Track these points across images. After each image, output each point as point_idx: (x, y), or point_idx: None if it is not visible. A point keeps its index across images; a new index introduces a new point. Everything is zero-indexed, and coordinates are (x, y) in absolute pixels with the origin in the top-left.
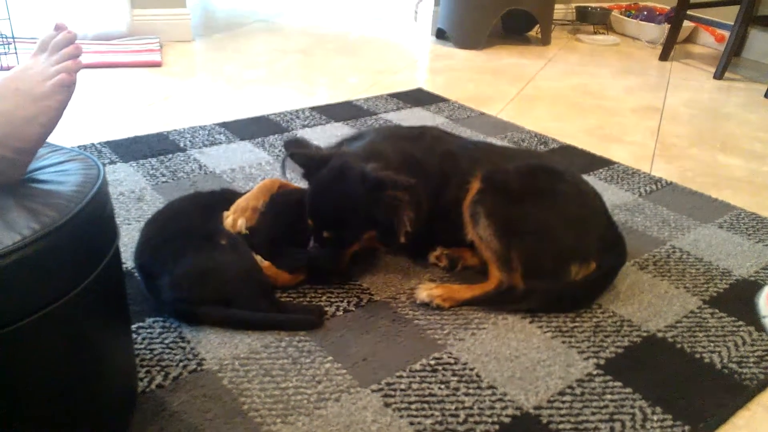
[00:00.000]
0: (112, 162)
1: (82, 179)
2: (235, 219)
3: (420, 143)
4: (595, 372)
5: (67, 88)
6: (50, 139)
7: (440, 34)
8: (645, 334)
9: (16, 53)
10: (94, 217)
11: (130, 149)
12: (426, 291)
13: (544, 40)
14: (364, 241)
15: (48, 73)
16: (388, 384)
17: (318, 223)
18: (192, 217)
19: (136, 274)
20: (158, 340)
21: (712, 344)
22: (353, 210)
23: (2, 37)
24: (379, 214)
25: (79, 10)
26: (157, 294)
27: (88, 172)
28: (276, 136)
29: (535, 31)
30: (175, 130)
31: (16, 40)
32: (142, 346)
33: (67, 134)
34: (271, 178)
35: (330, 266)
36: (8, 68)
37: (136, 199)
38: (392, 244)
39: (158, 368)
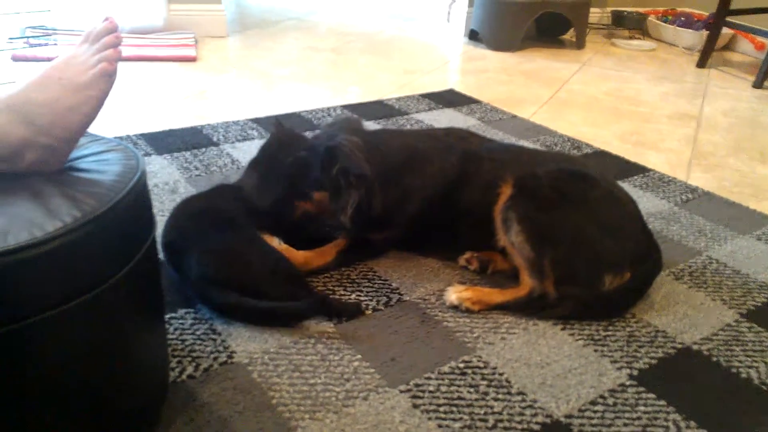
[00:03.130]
0: (147, 154)
1: (122, 169)
2: None
3: (439, 141)
4: (628, 382)
5: (108, 78)
6: (89, 129)
7: (473, 36)
8: (680, 346)
9: (56, 44)
10: (133, 207)
11: (165, 142)
12: (456, 294)
13: (579, 44)
14: (316, 205)
15: (90, 63)
16: (416, 385)
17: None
18: (220, 199)
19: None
20: (190, 331)
21: (749, 359)
22: (309, 163)
23: (44, 29)
24: (328, 182)
25: (117, 3)
26: (182, 272)
27: (128, 162)
28: (307, 133)
29: (569, 35)
30: (209, 125)
31: (57, 32)
32: (174, 336)
33: (104, 125)
34: None
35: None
36: (49, 59)
37: (169, 191)
38: (336, 223)
39: (189, 359)
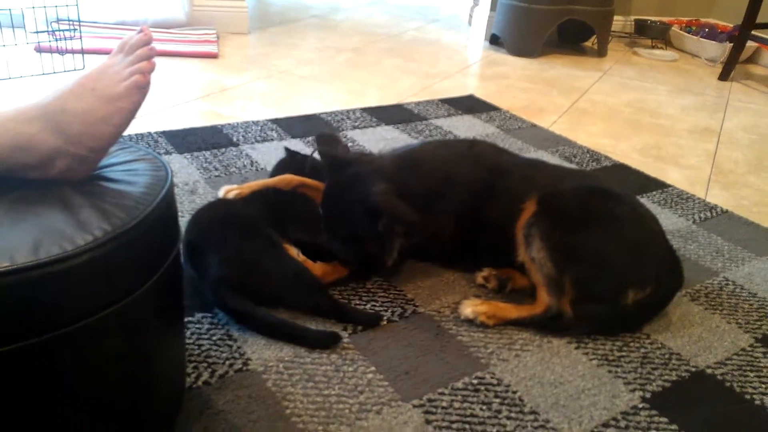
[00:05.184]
0: (167, 152)
1: (150, 181)
2: (230, 190)
3: (466, 157)
4: (640, 405)
5: (141, 90)
6: None
7: (494, 40)
8: (693, 369)
9: (81, 38)
10: (161, 219)
11: (185, 141)
12: (471, 307)
13: (601, 52)
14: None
15: (123, 74)
16: (429, 400)
17: (323, 223)
18: (246, 204)
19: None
20: (206, 336)
21: (763, 386)
22: (349, 224)
23: (69, 21)
24: (371, 235)
25: None
26: (201, 272)
27: (157, 173)
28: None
29: (591, 42)
30: (229, 124)
31: (81, 24)
32: (191, 341)
33: None
34: (292, 175)
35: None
36: (73, 51)
37: (189, 192)
38: (380, 265)
39: (205, 365)
